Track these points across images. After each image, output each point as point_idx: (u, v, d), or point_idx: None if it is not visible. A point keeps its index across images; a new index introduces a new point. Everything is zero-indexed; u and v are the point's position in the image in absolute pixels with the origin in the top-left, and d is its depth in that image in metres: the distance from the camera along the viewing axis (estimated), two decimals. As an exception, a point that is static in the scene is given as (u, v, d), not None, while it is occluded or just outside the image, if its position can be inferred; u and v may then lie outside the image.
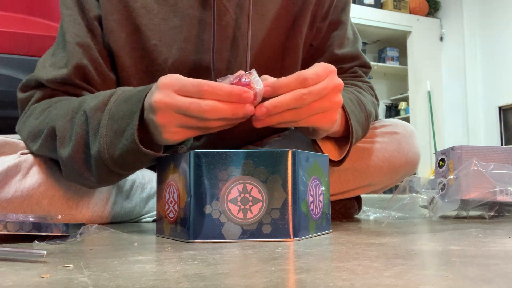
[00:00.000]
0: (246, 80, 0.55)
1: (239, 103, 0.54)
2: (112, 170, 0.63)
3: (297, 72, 0.58)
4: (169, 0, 0.77)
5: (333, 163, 0.73)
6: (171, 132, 0.57)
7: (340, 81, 0.61)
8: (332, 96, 0.60)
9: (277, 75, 0.84)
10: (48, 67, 0.76)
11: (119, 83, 0.80)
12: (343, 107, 0.70)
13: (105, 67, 0.78)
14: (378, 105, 0.91)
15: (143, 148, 0.58)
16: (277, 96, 0.57)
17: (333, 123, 0.64)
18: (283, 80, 0.57)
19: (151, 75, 0.78)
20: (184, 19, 0.77)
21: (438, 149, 3.73)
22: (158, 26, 0.77)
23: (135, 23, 0.77)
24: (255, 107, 0.56)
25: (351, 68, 0.91)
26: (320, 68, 0.59)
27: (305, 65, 0.89)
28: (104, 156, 0.61)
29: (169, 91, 0.56)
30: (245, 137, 0.92)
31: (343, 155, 0.73)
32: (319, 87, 0.58)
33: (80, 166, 0.65)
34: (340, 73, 0.89)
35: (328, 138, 0.74)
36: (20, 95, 0.79)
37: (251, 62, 0.78)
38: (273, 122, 0.58)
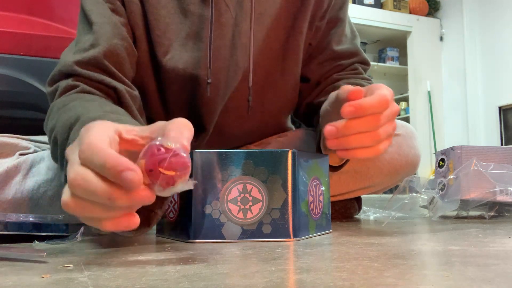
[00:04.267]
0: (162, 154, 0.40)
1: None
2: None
3: (377, 93, 0.55)
4: None
5: (333, 169, 0.74)
6: None
7: (397, 107, 0.59)
8: (389, 124, 0.58)
9: (277, 76, 0.85)
10: (73, 55, 0.71)
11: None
12: None
13: (134, 46, 0.75)
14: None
15: None
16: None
17: (371, 156, 0.60)
18: (367, 101, 0.53)
19: (151, 66, 0.78)
20: (186, 15, 0.77)
21: (438, 149, 3.73)
22: (164, 18, 0.77)
23: (145, 14, 0.76)
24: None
25: (351, 65, 0.91)
26: (385, 91, 0.56)
27: (303, 64, 0.89)
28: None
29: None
30: (245, 137, 0.92)
31: (344, 161, 0.73)
32: (389, 111, 0.56)
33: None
34: (340, 69, 0.89)
35: None
36: (47, 89, 0.74)
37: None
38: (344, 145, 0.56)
